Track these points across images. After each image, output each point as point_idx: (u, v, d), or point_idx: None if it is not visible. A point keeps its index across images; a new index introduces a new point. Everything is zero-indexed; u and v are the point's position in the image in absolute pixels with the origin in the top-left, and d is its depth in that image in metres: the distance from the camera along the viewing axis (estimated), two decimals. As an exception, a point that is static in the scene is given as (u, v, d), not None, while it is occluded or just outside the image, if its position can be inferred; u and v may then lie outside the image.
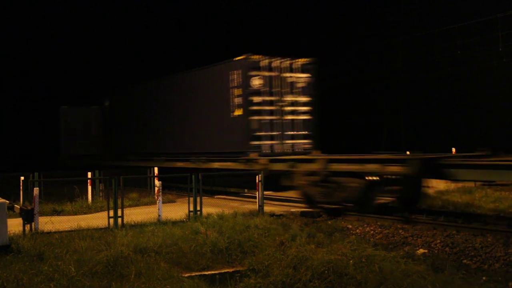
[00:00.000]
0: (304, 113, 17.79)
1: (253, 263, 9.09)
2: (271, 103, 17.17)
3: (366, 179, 12.76)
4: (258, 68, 17.05)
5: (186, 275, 8.59)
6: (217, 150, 18.62)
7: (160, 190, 13.12)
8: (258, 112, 16.96)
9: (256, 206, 13.96)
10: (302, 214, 13.96)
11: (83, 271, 8.20)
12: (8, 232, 9.61)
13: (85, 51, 40.05)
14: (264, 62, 17.14)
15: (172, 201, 17.27)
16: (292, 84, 17.53)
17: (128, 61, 39.47)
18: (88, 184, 17.12)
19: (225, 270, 9.01)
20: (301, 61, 17.79)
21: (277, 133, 17.25)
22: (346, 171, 13.32)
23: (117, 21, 39.72)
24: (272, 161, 15.93)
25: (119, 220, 11.84)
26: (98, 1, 39.62)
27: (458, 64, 29.53)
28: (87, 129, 30.91)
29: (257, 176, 14.32)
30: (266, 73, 17.16)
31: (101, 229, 11.24)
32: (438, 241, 10.75)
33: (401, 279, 7.77)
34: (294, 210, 14.34)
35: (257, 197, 14.09)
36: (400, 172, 12.06)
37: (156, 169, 18.90)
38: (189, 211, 12.86)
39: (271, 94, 17.20)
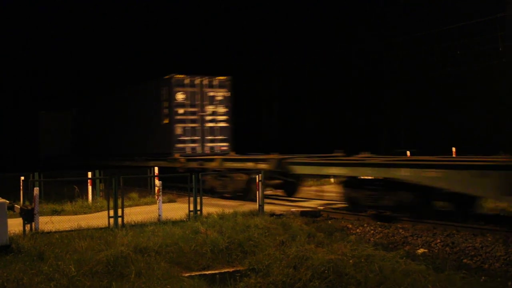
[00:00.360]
0: (222, 121, 21.88)
1: (253, 263, 9.10)
2: (193, 113, 21.27)
3: (249, 175, 16.70)
4: (182, 85, 21.14)
5: (186, 274, 8.59)
6: (152, 151, 22.82)
7: (161, 190, 13.12)
8: (182, 121, 21.12)
9: (256, 206, 13.96)
10: (302, 214, 13.97)
11: (83, 271, 8.21)
12: (8, 232, 9.62)
13: (67, 55, 40.94)
14: (187, 80, 21.27)
15: (172, 201, 17.26)
16: (211, 97, 21.64)
17: (106, 64, 40.43)
18: (88, 184, 17.13)
19: (225, 270, 9.01)
20: (218, 78, 21.82)
21: (198, 137, 21.43)
22: (235, 168, 17.83)
23: (92, 24, 40.08)
24: (188, 160, 20.37)
25: (119, 219, 11.83)
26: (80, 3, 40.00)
27: (458, 64, 29.51)
28: (62, 132, 35.49)
29: (257, 176, 14.33)
30: (189, 89, 21.22)
31: (101, 228, 11.23)
32: (438, 240, 10.75)
33: (401, 278, 7.78)
34: (294, 210, 14.35)
35: (257, 196, 14.09)
36: (265, 168, 15.73)
37: (156, 169, 19.17)
38: (189, 211, 12.85)
39: (193, 106, 21.29)
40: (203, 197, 13.31)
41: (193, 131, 21.29)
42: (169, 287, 7.76)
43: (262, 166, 16.16)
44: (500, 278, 8.05)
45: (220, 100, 21.70)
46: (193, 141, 21.27)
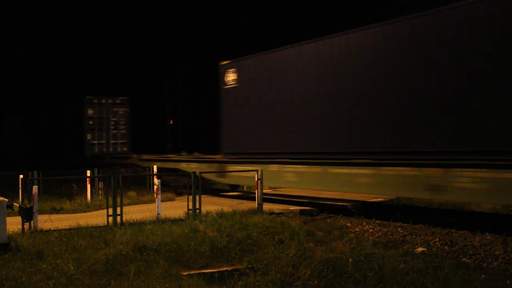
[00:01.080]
0: (122, 129, 30.84)
1: (252, 261, 9.09)
2: (101, 123, 30.27)
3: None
4: (93, 104, 30.52)
5: (185, 273, 8.59)
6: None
7: (159, 188, 13.11)
8: (92, 129, 30.46)
9: (255, 205, 13.96)
10: (301, 212, 13.99)
11: (82, 269, 8.20)
12: (7, 230, 9.60)
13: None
14: (96, 100, 30.47)
15: (171, 199, 17.26)
16: (115, 112, 30.62)
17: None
18: (87, 182, 17.12)
19: (224, 269, 9.00)
20: (120, 98, 30.82)
21: (104, 141, 30.47)
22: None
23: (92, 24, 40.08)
24: (93, 157, 29.41)
25: (118, 218, 11.83)
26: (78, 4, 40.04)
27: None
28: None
29: (256, 174, 14.33)
30: (97, 107, 30.52)
31: (100, 227, 11.22)
32: (437, 239, 10.76)
33: (400, 277, 7.78)
34: (293, 208, 14.35)
35: (256, 195, 14.10)
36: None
37: (155, 167, 19.39)
38: (188, 209, 12.85)
39: (101, 118, 30.43)
40: (202, 196, 13.30)
41: (100, 137, 30.12)
42: (168, 285, 7.75)
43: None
44: (498, 277, 8.05)
45: (121, 114, 30.29)
46: (100, 144, 30.23)
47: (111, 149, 30.47)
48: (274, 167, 16.04)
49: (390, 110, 12.81)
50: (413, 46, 12.36)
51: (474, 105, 11.15)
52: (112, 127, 30.89)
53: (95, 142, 30.18)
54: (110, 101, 30.72)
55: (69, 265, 8.29)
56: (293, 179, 15.48)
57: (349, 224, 12.78)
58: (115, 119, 30.69)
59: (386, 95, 12.90)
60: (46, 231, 10.83)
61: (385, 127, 12.93)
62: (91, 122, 30.10)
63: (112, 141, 30.74)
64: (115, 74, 39.16)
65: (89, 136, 30.20)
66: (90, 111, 30.17)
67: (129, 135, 31.37)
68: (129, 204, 15.28)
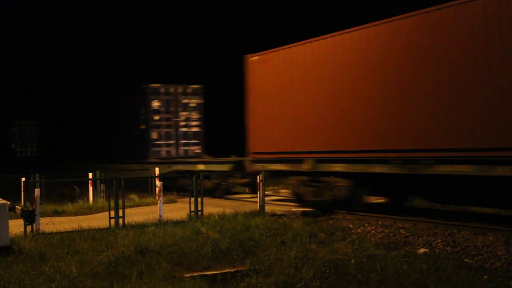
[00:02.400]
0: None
1: (255, 263, 9.09)
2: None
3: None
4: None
5: (188, 275, 8.58)
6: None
7: (161, 191, 13.13)
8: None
9: (257, 206, 13.96)
10: (303, 214, 13.98)
11: (84, 271, 8.21)
12: (10, 233, 9.61)
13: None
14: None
15: (173, 201, 17.27)
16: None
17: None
18: (89, 184, 17.13)
19: (227, 270, 9.00)
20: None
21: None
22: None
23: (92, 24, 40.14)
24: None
25: (120, 220, 11.84)
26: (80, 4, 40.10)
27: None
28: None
29: (258, 176, 14.33)
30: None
31: (102, 229, 11.23)
32: (439, 240, 10.75)
33: (402, 278, 7.77)
34: (295, 209, 14.34)
35: (258, 197, 14.10)
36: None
37: (157, 169, 19.29)
38: (190, 211, 12.85)
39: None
40: (203, 198, 13.31)
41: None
42: (170, 287, 7.75)
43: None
44: (501, 278, 8.04)
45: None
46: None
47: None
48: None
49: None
50: None
51: None
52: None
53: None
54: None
55: (72, 267, 8.30)
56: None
57: (351, 226, 12.77)
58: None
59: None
60: (48, 233, 10.85)
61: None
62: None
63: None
64: (115, 74, 39.21)
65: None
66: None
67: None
68: (131, 206, 15.28)
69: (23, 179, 17.02)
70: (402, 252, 9.38)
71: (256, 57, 16.83)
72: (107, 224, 11.70)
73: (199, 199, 13.00)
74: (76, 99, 37.64)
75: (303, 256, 8.97)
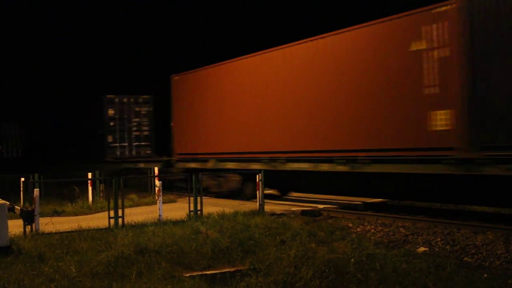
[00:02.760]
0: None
1: (254, 262, 9.08)
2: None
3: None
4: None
5: (187, 275, 8.58)
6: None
7: (161, 190, 13.12)
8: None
9: (257, 206, 13.96)
10: (303, 213, 13.99)
11: (84, 271, 8.20)
12: (9, 233, 9.60)
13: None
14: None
15: (172, 201, 17.27)
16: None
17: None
18: (89, 184, 17.13)
19: (226, 270, 8.99)
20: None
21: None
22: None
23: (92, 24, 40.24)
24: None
25: (120, 220, 11.83)
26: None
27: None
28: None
29: (257, 176, 14.33)
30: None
31: (101, 229, 11.22)
32: (439, 239, 10.75)
33: (402, 277, 7.77)
34: (294, 209, 14.35)
35: (258, 196, 14.09)
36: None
37: (156, 169, 19.46)
38: (190, 211, 12.85)
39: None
40: (203, 197, 13.30)
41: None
42: (169, 287, 7.75)
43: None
44: (501, 276, 8.03)
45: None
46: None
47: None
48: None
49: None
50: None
51: None
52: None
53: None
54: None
55: (71, 267, 8.29)
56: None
57: (350, 225, 12.77)
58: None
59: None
60: (48, 233, 10.84)
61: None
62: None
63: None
64: (114, 74, 39.25)
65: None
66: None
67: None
68: (130, 206, 15.29)
69: (22, 179, 17.01)
70: (402, 251, 9.37)
71: (178, 77, 21.21)
72: (107, 224, 11.69)
73: (199, 198, 13.00)
74: (56, 103, 39.06)
75: (302, 255, 8.97)
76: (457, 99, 11.39)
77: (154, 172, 19.59)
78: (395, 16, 12.77)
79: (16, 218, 11.56)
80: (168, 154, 22.47)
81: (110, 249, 9.29)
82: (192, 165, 19.73)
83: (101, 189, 17.91)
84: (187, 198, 13.21)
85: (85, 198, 16.60)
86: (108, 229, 11.28)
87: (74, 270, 8.19)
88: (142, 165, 24.47)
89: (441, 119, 11.72)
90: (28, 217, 10.96)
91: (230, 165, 17.77)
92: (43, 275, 7.95)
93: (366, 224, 12.71)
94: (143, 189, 20.29)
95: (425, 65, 12.00)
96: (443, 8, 11.71)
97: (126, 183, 16.40)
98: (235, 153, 17.60)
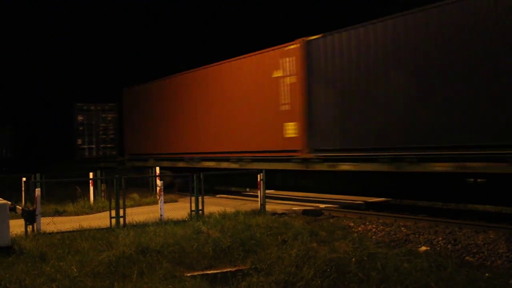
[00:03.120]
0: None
1: (256, 262, 9.08)
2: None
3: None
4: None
5: (189, 274, 8.58)
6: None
7: (162, 190, 13.12)
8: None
9: (258, 205, 13.96)
10: (304, 212, 13.99)
11: (85, 271, 8.21)
12: (10, 233, 9.62)
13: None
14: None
15: (174, 201, 17.27)
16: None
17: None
18: (90, 184, 17.14)
19: (228, 269, 9.00)
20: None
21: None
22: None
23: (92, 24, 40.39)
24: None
25: (121, 220, 11.83)
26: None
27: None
28: None
29: (258, 175, 14.32)
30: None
31: (103, 229, 11.23)
32: (440, 238, 10.74)
33: (403, 276, 7.76)
34: (296, 208, 14.35)
35: (259, 195, 14.09)
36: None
37: (157, 168, 19.43)
38: (191, 211, 12.85)
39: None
40: (204, 196, 13.30)
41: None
42: (171, 287, 7.75)
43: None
44: (502, 275, 8.02)
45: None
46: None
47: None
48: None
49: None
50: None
51: None
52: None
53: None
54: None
55: (72, 267, 8.30)
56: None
57: (352, 224, 12.76)
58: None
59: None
60: (49, 233, 10.85)
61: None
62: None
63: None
64: (114, 74, 39.33)
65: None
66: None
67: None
68: (132, 206, 15.29)
69: (24, 179, 17.03)
70: (403, 250, 9.36)
71: (127, 89, 25.48)
72: (108, 224, 11.69)
73: (200, 198, 13.00)
74: (44, 106, 40.50)
75: (304, 254, 8.96)
76: (300, 114, 15.25)
77: (155, 172, 19.59)
78: (266, 50, 16.53)
79: (17, 218, 11.58)
80: (123, 154, 26.48)
81: (112, 249, 9.29)
82: (139, 163, 23.77)
83: (103, 188, 17.92)
84: (189, 197, 13.21)
85: (87, 198, 16.61)
86: (109, 229, 11.29)
87: (75, 270, 8.19)
88: (102, 164, 28.59)
89: (291, 129, 15.60)
90: (30, 217, 10.97)
91: (165, 163, 21.34)
92: (44, 275, 7.96)
93: (367, 223, 12.70)
94: (144, 187, 20.30)
95: (281, 88, 15.85)
96: (292, 47, 15.55)
97: (129, 183, 16.38)
98: (169, 153, 21.52)
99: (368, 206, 15.29)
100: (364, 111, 13.52)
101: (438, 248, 10.17)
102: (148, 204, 16.36)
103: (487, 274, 8.07)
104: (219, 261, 9.38)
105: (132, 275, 8.17)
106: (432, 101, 12.01)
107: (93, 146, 31.37)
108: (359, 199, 15.86)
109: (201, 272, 8.79)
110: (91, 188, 16.97)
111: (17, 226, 10.86)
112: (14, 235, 10.16)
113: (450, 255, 9.59)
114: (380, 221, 12.84)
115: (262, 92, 16.53)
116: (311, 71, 14.94)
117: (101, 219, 12.27)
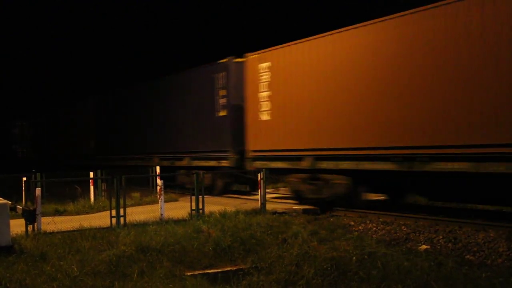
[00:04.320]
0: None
1: (256, 261, 9.09)
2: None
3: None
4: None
5: (189, 273, 8.59)
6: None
7: (162, 189, 13.12)
8: None
9: (258, 204, 13.96)
10: (304, 211, 13.99)
11: (85, 270, 8.21)
12: (11, 233, 9.62)
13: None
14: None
15: (174, 200, 17.27)
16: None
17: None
18: (90, 184, 17.13)
19: (228, 268, 9.01)
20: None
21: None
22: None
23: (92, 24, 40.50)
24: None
25: (122, 219, 11.83)
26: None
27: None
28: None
29: (258, 174, 14.33)
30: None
31: (103, 228, 11.23)
32: (441, 237, 10.74)
33: (403, 275, 7.77)
34: (296, 207, 14.34)
35: (259, 195, 14.09)
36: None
37: (158, 168, 19.38)
38: (191, 210, 12.85)
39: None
40: (205, 196, 13.30)
41: None
42: (171, 286, 7.76)
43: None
44: (503, 274, 8.02)
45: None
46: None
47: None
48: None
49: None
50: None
51: None
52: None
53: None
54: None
55: (73, 266, 8.30)
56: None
57: (352, 223, 12.77)
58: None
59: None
60: (50, 233, 10.84)
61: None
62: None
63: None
64: (114, 74, 39.39)
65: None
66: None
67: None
68: (132, 205, 15.28)
69: (24, 178, 17.01)
70: (404, 249, 9.38)
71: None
72: (109, 223, 11.70)
73: (200, 197, 13.00)
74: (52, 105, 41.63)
75: (304, 253, 8.97)
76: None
77: (155, 171, 19.58)
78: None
79: (18, 217, 11.58)
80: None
81: (112, 248, 9.30)
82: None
83: (103, 188, 17.91)
84: (189, 197, 13.21)
85: (87, 197, 16.61)
86: (110, 228, 11.29)
87: (76, 269, 8.20)
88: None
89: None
90: (30, 217, 10.97)
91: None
92: (45, 274, 7.96)
93: (367, 222, 12.70)
94: (145, 185, 20.29)
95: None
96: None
97: (130, 182, 16.36)
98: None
99: (369, 205, 15.26)
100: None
101: (438, 247, 10.17)
102: (148, 203, 16.35)
103: (487, 273, 8.07)
104: (220, 260, 9.39)
105: (133, 274, 8.17)
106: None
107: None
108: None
109: (202, 271, 8.79)
110: (92, 188, 16.97)
111: (17, 226, 10.86)
112: (14, 235, 10.16)
113: (450, 253, 9.59)
114: (381, 219, 12.84)
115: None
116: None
117: (101, 219, 12.27)
